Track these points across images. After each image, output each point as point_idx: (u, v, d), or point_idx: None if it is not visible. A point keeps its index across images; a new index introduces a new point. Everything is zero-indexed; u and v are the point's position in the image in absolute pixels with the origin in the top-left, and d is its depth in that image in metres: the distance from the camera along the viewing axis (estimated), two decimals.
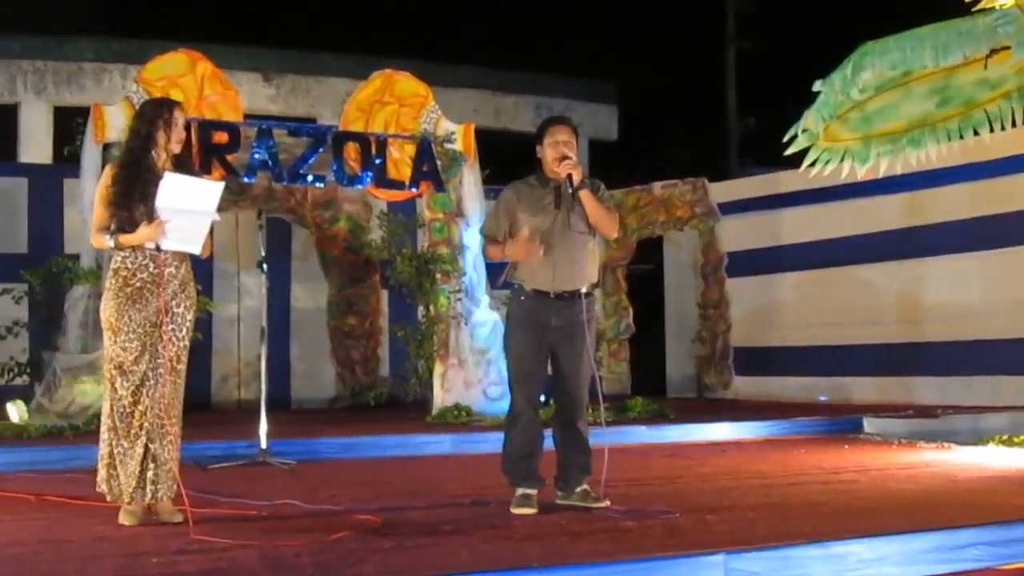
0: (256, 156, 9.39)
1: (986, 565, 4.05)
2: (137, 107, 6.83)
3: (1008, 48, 6.14)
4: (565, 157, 4.94)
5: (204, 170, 8.93)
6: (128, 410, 4.59)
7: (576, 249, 4.97)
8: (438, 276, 10.02)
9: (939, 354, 11.32)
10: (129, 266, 4.65)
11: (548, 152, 5.02)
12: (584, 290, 5.00)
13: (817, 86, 6.85)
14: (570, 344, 4.96)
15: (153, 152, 4.73)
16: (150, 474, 4.60)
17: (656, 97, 20.01)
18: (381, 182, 10.03)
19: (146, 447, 4.60)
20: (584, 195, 4.91)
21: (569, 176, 4.90)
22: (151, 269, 4.66)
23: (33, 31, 15.65)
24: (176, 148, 4.80)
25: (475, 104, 17.72)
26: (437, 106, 10.37)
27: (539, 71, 18.72)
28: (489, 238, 5.17)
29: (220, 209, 4.77)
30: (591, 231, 5.02)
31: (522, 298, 5.03)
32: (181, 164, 4.84)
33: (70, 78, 15.87)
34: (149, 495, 4.61)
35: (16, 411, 8.68)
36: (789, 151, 7.25)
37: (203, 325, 9.45)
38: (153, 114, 4.77)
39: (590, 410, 5.17)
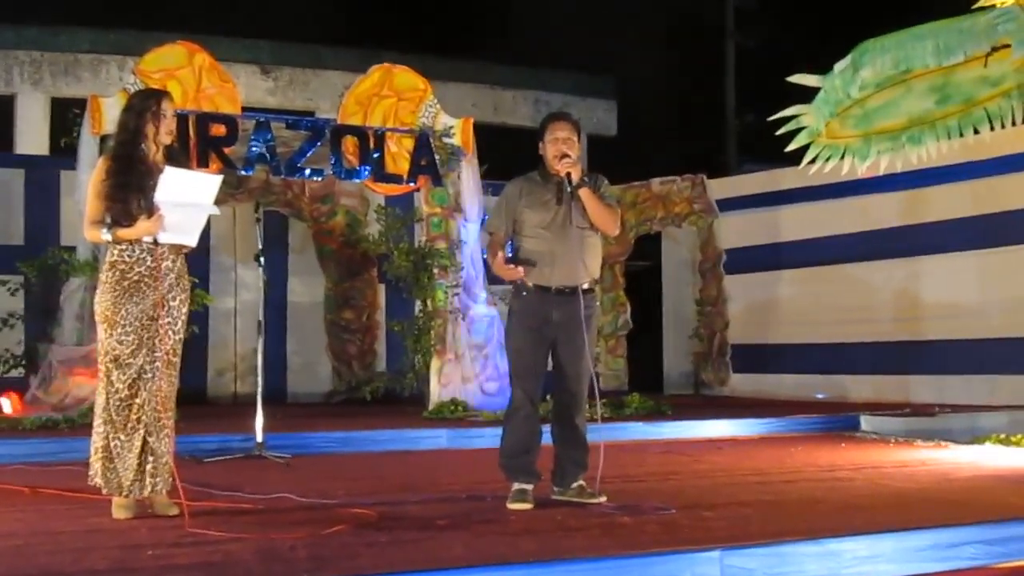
0: (254, 149, 9.37)
1: (981, 563, 4.04)
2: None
3: (1008, 46, 6.12)
4: (564, 155, 4.95)
5: (201, 163, 8.93)
6: (125, 403, 4.58)
7: (577, 245, 4.95)
8: (436, 271, 10.01)
9: (937, 352, 11.32)
10: (127, 259, 4.63)
11: (549, 149, 5.03)
12: (585, 285, 5.00)
13: (814, 81, 6.82)
14: (571, 340, 4.94)
15: (143, 145, 4.71)
16: (149, 467, 4.60)
17: (655, 93, 19.99)
18: (379, 176, 10.01)
19: (144, 440, 4.59)
20: (584, 193, 4.92)
21: (568, 175, 4.91)
22: (148, 262, 4.64)
23: (30, 22, 15.61)
24: (167, 139, 4.77)
25: (474, 99, 17.70)
26: (436, 100, 10.35)
27: (538, 66, 18.70)
28: (491, 234, 5.18)
29: (217, 202, 4.76)
30: (593, 226, 5.02)
31: (523, 293, 5.02)
32: (173, 156, 4.82)
33: (67, 69, 15.84)
34: (148, 488, 4.60)
35: (10, 403, 8.67)
36: (789, 148, 7.23)
37: (199, 318, 9.45)
38: (141, 106, 4.74)
39: (587, 406, 5.15)
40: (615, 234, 5.18)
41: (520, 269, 4.94)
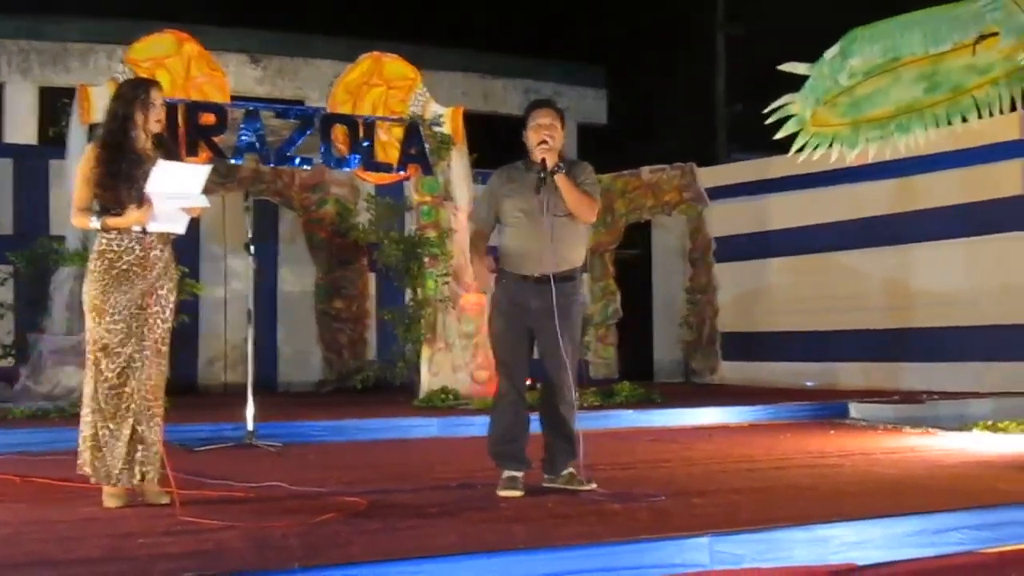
0: (243, 138, 9.35)
1: (969, 548, 4.06)
2: None
3: (996, 34, 6.13)
4: (542, 142, 4.97)
5: (191, 152, 8.90)
6: (115, 392, 4.58)
7: (557, 232, 4.93)
8: (426, 259, 10.02)
9: (925, 340, 11.37)
10: (115, 248, 4.63)
11: (531, 136, 5.04)
12: (567, 273, 5.00)
13: (803, 70, 6.83)
14: (549, 328, 4.90)
15: (132, 133, 4.71)
16: (138, 455, 4.60)
17: (645, 82, 19.97)
18: (369, 165, 10.00)
19: (133, 429, 4.59)
20: (559, 179, 4.92)
21: (543, 160, 4.93)
22: (137, 251, 4.64)
23: (19, 11, 15.52)
24: (156, 128, 4.77)
25: (464, 87, 17.67)
26: (425, 89, 10.34)
27: (528, 55, 18.67)
28: (475, 224, 5.24)
29: (207, 191, 4.75)
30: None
31: (504, 281, 5.05)
32: (162, 144, 4.82)
33: (56, 58, 15.77)
34: (138, 476, 4.60)
35: None
36: (778, 135, 7.24)
37: (190, 307, 9.45)
38: (130, 95, 4.74)
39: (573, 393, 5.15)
40: (591, 221, 5.16)
41: (492, 276, 5.04)
